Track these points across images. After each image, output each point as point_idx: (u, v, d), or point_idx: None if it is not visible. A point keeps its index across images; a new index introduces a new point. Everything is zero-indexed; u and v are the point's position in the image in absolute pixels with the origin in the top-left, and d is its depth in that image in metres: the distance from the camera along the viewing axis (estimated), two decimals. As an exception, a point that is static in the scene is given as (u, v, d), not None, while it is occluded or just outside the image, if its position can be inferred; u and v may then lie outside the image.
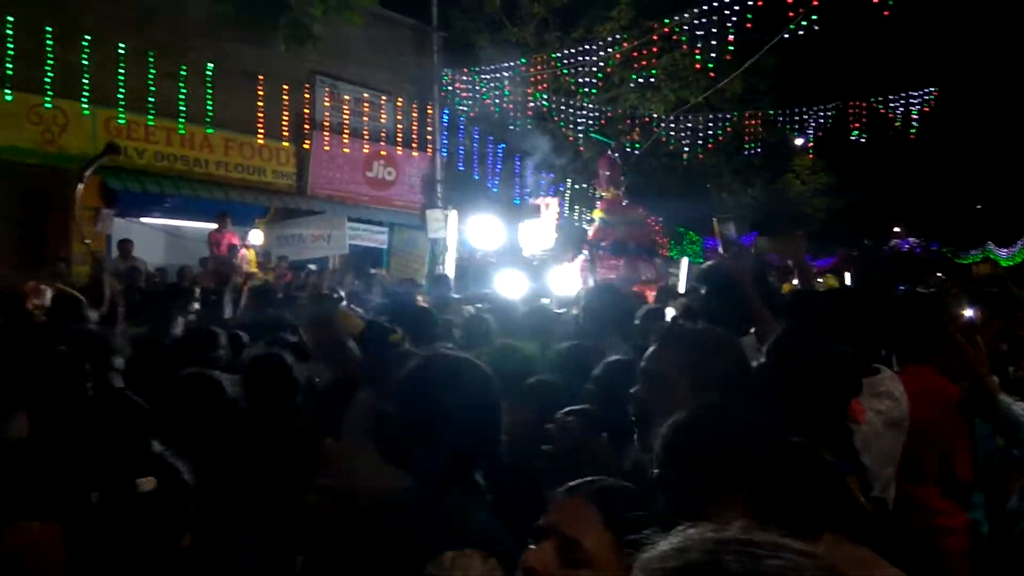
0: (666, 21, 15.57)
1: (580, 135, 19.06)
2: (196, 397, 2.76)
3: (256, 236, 14.13)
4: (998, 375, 3.27)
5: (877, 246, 31.50)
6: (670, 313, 5.53)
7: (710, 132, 19.33)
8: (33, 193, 11.99)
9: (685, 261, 13.27)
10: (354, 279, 13.74)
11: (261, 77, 14.62)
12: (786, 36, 14.06)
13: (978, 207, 37.58)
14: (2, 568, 2.04)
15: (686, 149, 19.88)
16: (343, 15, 11.66)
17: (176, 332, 4.85)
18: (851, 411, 2.15)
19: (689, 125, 19.43)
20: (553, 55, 17.83)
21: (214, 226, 12.94)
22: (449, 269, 15.39)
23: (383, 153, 17.28)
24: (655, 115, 19.76)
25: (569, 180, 20.28)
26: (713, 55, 14.89)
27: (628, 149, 19.17)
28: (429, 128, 18.18)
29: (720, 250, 3.66)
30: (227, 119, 14.33)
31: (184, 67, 13.50)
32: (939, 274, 20.23)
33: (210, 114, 14.03)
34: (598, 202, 14.56)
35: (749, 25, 13.88)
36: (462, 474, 1.87)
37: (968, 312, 4.75)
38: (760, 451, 1.41)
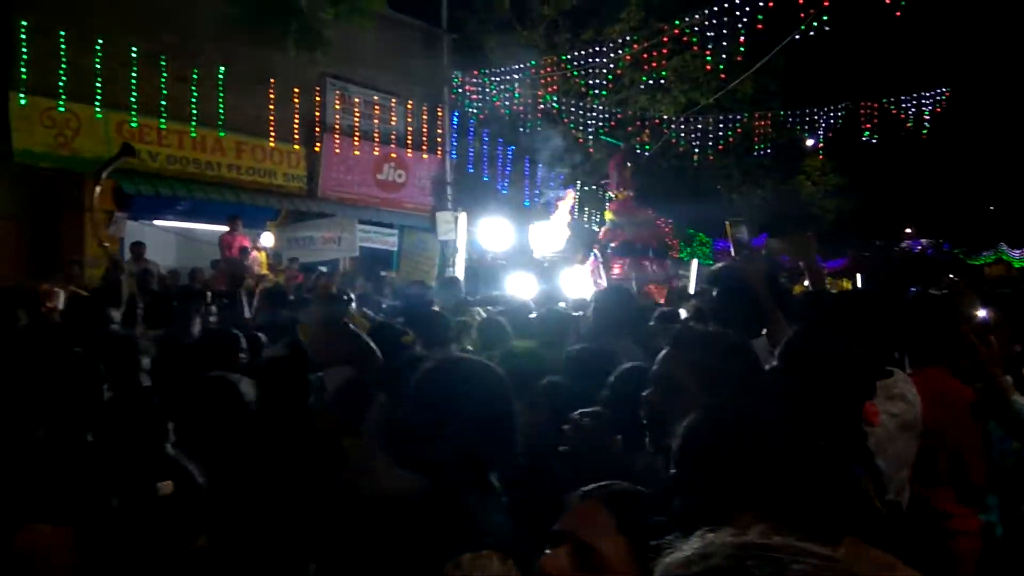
0: (676, 23, 15.56)
1: (590, 137, 19.05)
2: (216, 401, 2.76)
3: (267, 238, 14.22)
4: (1012, 376, 3.25)
5: (888, 247, 31.31)
6: (683, 315, 5.52)
7: (720, 133, 19.31)
8: (46, 196, 12.07)
9: (695, 263, 13.25)
10: (364, 281, 13.79)
11: (272, 80, 14.69)
12: (797, 37, 14.03)
13: (991, 208, 37.35)
14: (12, 569, 2.06)
15: (696, 151, 19.86)
16: (353, 19, 11.69)
17: (194, 333, 4.87)
18: (865, 414, 2.14)
19: (699, 126, 19.42)
20: (563, 57, 17.84)
21: (226, 229, 13.02)
22: (459, 271, 15.41)
23: (393, 155, 17.31)
24: (665, 117, 19.74)
25: (579, 182, 20.27)
26: (723, 56, 14.86)
27: (638, 151, 19.14)
28: (439, 130, 18.20)
29: (732, 252, 3.66)
30: (238, 122, 14.39)
31: (196, 71, 13.57)
32: (951, 275, 20.09)
33: (222, 117, 14.10)
34: (608, 204, 14.56)
35: (760, 26, 13.85)
36: (477, 476, 1.87)
37: (981, 312, 4.72)
38: (779, 453, 1.40)
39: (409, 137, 17.54)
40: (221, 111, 14.06)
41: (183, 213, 13.91)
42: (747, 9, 13.76)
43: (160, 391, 2.98)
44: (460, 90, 18.34)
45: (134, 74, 12.88)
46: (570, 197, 15.74)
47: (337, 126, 16.23)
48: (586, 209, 20.80)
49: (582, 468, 2.08)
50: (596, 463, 2.09)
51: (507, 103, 18.28)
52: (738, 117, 19.37)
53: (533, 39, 20.14)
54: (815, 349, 2.22)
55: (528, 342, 4.00)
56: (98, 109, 12.58)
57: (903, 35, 25.83)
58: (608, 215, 14.06)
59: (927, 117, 18.30)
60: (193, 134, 13.83)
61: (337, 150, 16.08)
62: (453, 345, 4.07)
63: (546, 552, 1.43)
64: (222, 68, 13.91)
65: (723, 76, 16.62)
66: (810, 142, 21.69)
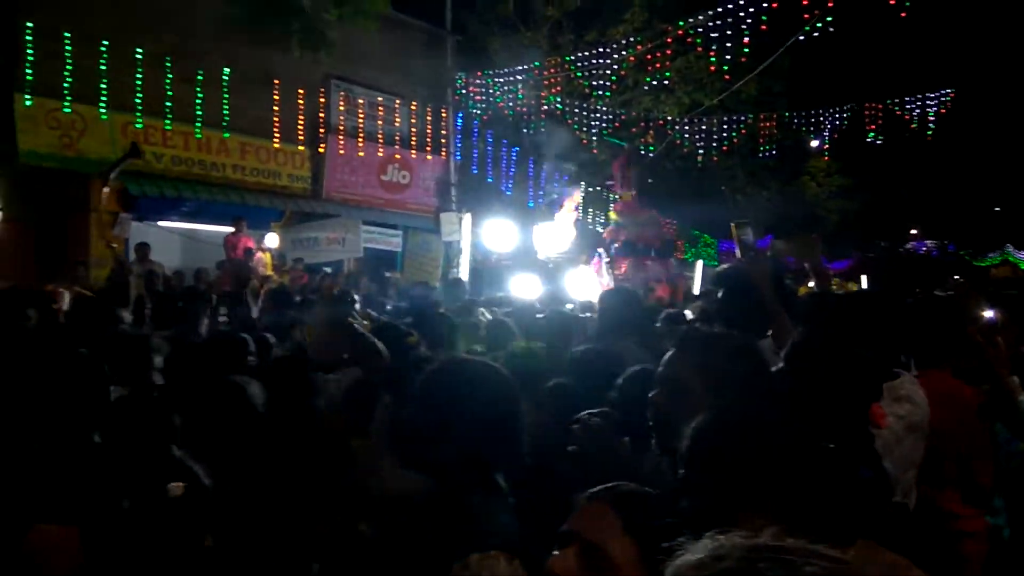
0: (680, 23, 15.54)
1: (594, 138, 19.04)
2: (225, 404, 2.76)
3: (272, 239, 14.24)
4: (1019, 377, 3.24)
5: (893, 248, 31.24)
6: (689, 316, 5.52)
7: (724, 135, 19.27)
8: (52, 197, 12.10)
9: (700, 264, 13.25)
10: (369, 282, 13.80)
11: (277, 81, 14.72)
12: (801, 38, 14.00)
13: (996, 209, 37.24)
14: (21, 570, 2.06)
15: (700, 152, 19.83)
16: (357, 20, 11.71)
17: (201, 334, 4.87)
18: (872, 415, 2.13)
19: (703, 127, 19.39)
20: (567, 58, 17.84)
21: (230, 229, 13.04)
22: (463, 272, 15.43)
23: (397, 156, 17.33)
24: (669, 118, 19.72)
25: (583, 183, 20.27)
26: (728, 57, 14.84)
27: (642, 152, 19.13)
28: (443, 131, 18.23)
29: (738, 254, 3.65)
30: (243, 123, 14.43)
31: (201, 72, 13.60)
32: (956, 277, 20.03)
33: (226, 118, 14.14)
34: (612, 204, 14.56)
35: (764, 27, 13.82)
36: (482, 477, 1.87)
37: (989, 313, 4.70)
38: (789, 455, 1.40)
39: (413, 138, 17.56)
40: (226, 112, 14.10)
41: (188, 214, 13.94)
42: (751, 10, 13.73)
43: (170, 392, 2.98)
44: (464, 91, 18.34)
45: (139, 75, 12.92)
46: (577, 196, 15.73)
47: (341, 127, 16.26)
48: (590, 210, 20.79)
49: (591, 468, 2.08)
50: (605, 463, 2.08)
51: (511, 104, 18.29)
52: (742, 118, 19.34)
53: (537, 40, 20.12)
54: (822, 351, 2.22)
55: (534, 343, 3.99)
56: (103, 110, 12.62)
57: (908, 36, 25.80)
58: (612, 215, 14.06)
59: (932, 118, 18.23)
60: (198, 135, 13.86)
61: (341, 151, 16.11)
62: (461, 346, 4.06)
63: (554, 553, 1.43)
64: (227, 69, 13.95)
65: (727, 77, 16.57)
66: (815, 143, 21.67)
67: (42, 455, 2.42)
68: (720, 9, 14.29)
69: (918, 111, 18.28)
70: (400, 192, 17.49)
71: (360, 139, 16.46)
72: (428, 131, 17.81)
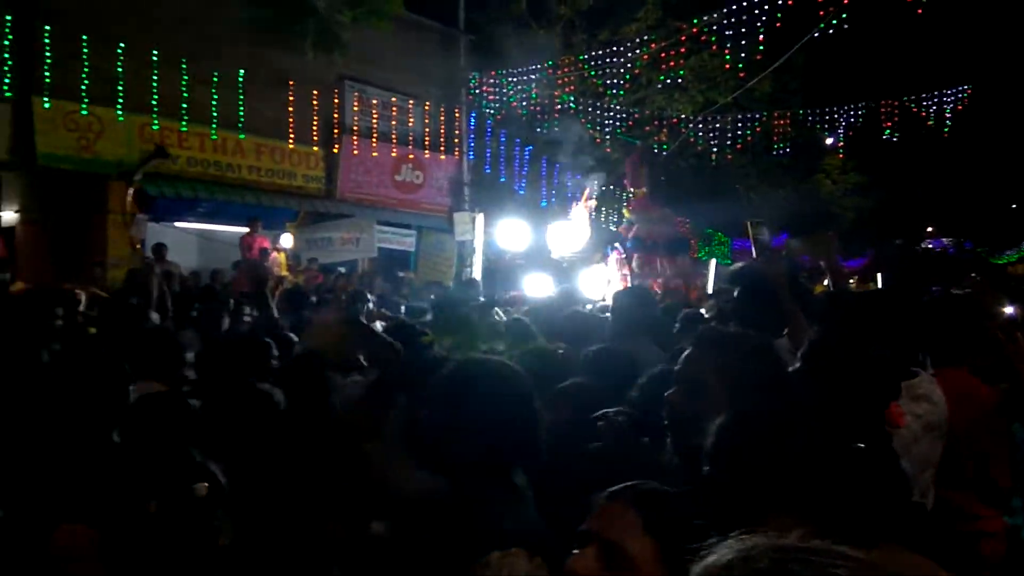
0: (694, 21, 15.48)
1: (607, 137, 19.00)
2: (247, 408, 2.78)
3: (286, 239, 14.33)
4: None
5: (909, 246, 30.98)
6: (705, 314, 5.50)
7: (739, 133, 19.19)
8: (70, 198, 12.21)
9: (713, 263, 13.19)
10: (383, 282, 13.85)
11: (291, 83, 14.78)
12: (816, 35, 13.92)
13: (1013, 206, 36.87)
14: (47, 569, 2.09)
15: (714, 150, 19.76)
16: (371, 21, 11.75)
17: (222, 333, 4.90)
18: (890, 415, 2.13)
19: (717, 126, 19.32)
20: (580, 56, 17.81)
21: (246, 230, 13.12)
22: (476, 272, 15.45)
23: (411, 156, 17.36)
24: (683, 116, 19.65)
25: (596, 182, 20.22)
26: (742, 55, 14.77)
27: (656, 150, 19.07)
28: (456, 131, 18.24)
29: (753, 253, 3.65)
30: (258, 124, 14.50)
31: (216, 74, 13.68)
32: (973, 274, 19.85)
33: (242, 119, 14.22)
34: (626, 203, 14.53)
35: (778, 24, 13.75)
36: (500, 476, 1.88)
37: (1009, 309, 4.67)
38: (815, 456, 1.39)
39: (427, 138, 17.59)
40: (241, 113, 14.18)
41: (204, 215, 14.04)
42: (765, 7, 13.65)
43: (199, 391, 3.00)
44: (477, 91, 18.35)
45: (155, 77, 13.00)
46: (595, 186, 15.64)
47: (355, 128, 16.30)
48: (603, 209, 20.74)
49: (614, 466, 2.08)
50: (627, 461, 2.09)
51: (524, 103, 18.28)
52: (757, 116, 19.25)
53: (550, 39, 20.11)
54: (838, 350, 2.21)
55: (555, 343, 3.99)
56: (120, 112, 12.72)
57: (924, 32, 25.56)
58: (627, 213, 14.03)
59: (948, 115, 18.09)
60: (214, 136, 13.95)
61: (355, 151, 16.16)
62: (482, 346, 4.07)
63: (574, 552, 1.43)
64: (242, 71, 14.02)
65: (741, 75, 16.51)
66: (830, 140, 21.52)
67: (66, 454, 2.46)
68: (734, 6, 14.23)
69: (935, 108, 18.13)
70: (414, 192, 17.53)
71: (374, 139, 16.51)
72: (441, 131, 17.83)
